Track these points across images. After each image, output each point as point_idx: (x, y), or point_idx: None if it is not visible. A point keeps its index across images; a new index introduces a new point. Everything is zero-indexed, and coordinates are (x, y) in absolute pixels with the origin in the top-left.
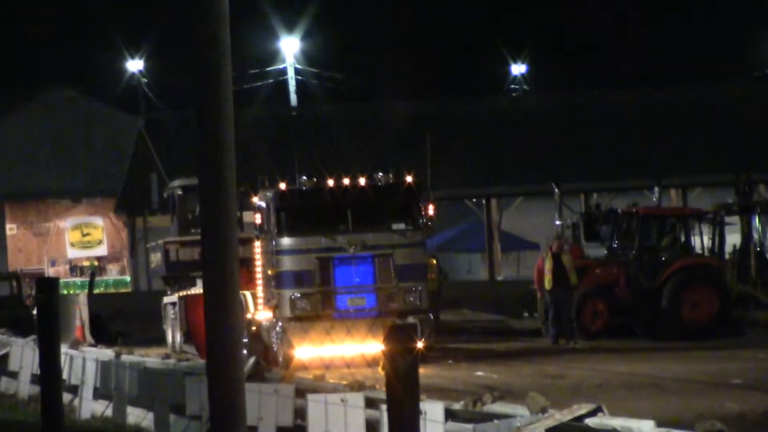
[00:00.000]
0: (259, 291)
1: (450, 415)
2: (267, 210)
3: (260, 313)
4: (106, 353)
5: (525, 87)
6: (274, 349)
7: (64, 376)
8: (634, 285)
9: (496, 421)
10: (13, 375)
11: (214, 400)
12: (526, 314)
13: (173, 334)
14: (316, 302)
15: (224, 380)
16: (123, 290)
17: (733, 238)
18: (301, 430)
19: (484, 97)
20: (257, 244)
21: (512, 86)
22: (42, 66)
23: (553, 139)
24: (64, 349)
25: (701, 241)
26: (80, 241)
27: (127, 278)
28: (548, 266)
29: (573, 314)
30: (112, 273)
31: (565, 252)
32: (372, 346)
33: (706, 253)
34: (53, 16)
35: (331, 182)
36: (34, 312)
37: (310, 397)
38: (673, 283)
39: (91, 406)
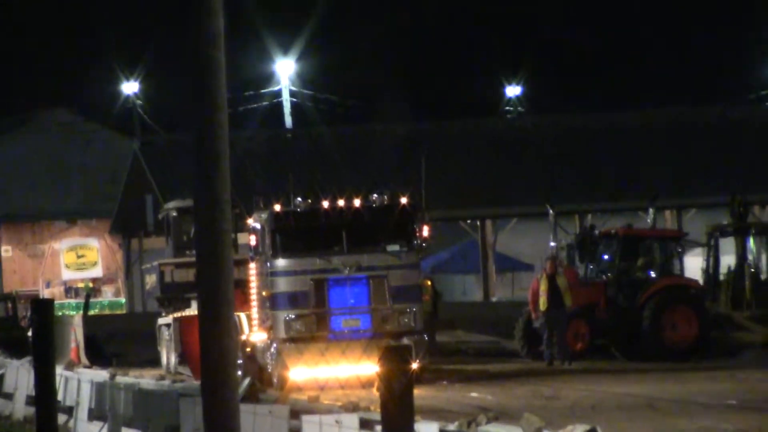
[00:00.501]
0: (254, 312)
1: None
2: (262, 231)
3: (255, 335)
4: (101, 374)
5: (520, 109)
6: (269, 370)
7: (59, 397)
8: (615, 306)
9: None
10: (9, 396)
11: (208, 421)
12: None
13: (168, 356)
14: (311, 323)
15: (219, 402)
16: (118, 312)
17: (727, 259)
18: None
19: (479, 118)
20: (252, 265)
21: (507, 108)
22: (38, 88)
23: (548, 161)
24: (59, 370)
25: (680, 262)
26: (75, 262)
27: (122, 300)
28: (543, 287)
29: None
30: (107, 294)
31: (559, 273)
32: (367, 367)
33: (701, 273)
34: (49, 38)
35: (326, 204)
36: (29, 333)
37: (305, 418)
38: (653, 304)
39: (86, 428)
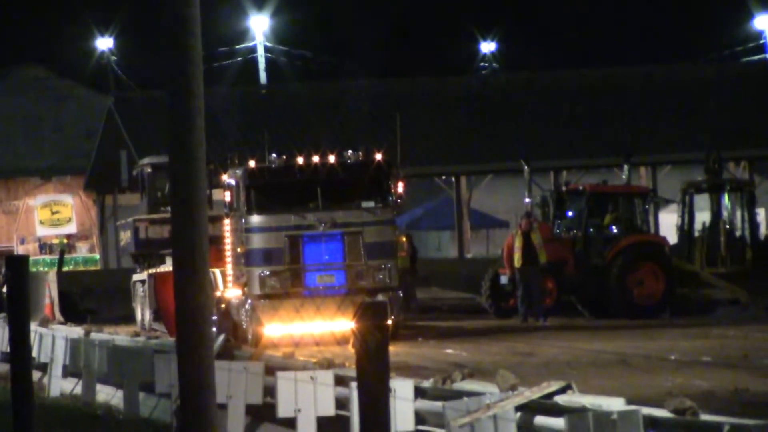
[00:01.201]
0: (229, 269)
1: (420, 392)
2: (236, 188)
3: (229, 291)
4: (76, 331)
5: (495, 65)
6: (244, 326)
7: (34, 353)
8: (582, 263)
9: (465, 399)
10: None
11: (183, 377)
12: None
13: (143, 312)
14: (286, 280)
15: (194, 358)
16: (92, 268)
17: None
18: (270, 407)
19: (454, 75)
20: (227, 221)
21: (482, 64)
22: (12, 44)
23: (523, 117)
24: (33, 326)
25: (649, 218)
26: (50, 218)
27: (97, 256)
28: (518, 244)
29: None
30: (82, 251)
31: (534, 230)
32: (341, 324)
33: (675, 230)
34: None
35: (300, 160)
36: (4, 290)
37: (280, 374)
38: (620, 261)
39: (60, 384)
